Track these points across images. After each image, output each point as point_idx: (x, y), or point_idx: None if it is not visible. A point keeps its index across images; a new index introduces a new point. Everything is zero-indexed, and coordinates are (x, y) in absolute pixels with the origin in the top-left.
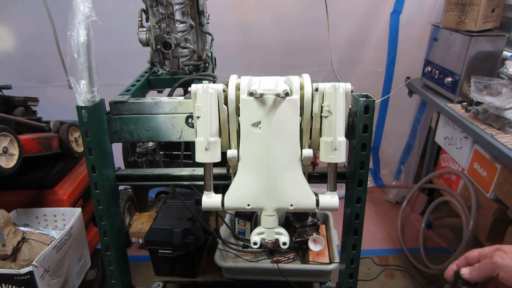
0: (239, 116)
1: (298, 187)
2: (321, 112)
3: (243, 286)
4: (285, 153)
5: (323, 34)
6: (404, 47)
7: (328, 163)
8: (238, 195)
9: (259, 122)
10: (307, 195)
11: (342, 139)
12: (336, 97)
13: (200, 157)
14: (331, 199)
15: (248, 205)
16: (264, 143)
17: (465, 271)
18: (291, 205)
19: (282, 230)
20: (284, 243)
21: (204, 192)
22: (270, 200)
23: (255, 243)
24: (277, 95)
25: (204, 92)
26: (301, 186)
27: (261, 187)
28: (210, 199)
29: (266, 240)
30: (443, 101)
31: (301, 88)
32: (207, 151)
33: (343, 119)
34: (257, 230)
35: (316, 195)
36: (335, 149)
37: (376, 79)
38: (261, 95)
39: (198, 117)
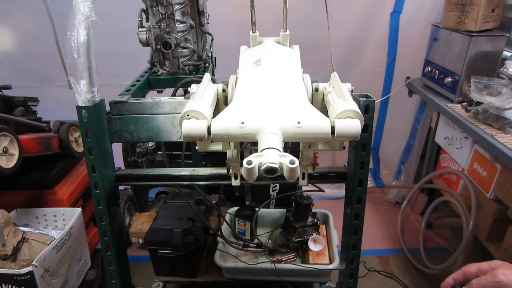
0: None
1: (307, 107)
2: (323, 103)
3: (243, 286)
4: (289, 83)
5: (323, 34)
6: (404, 47)
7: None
8: (230, 115)
9: (259, 60)
10: (319, 116)
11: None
12: (336, 79)
13: (186, 107)
14: (351, 120)
15: (243, 122)
16: (265, 73)
17: None
18: (298, 122)
19: (287, 154)
20: (292, 162)
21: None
22: (272, 116)
23: (248, 163)
24: (277, 41)
25: (205, 77)
26: (310, 108)
27: (260, 104)
28: (192, 125)
29: (267, 164)
30: (443, 101)
31: None
32: (195, 102)
33: (348, 92)
34: (255, 154)
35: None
36: (345, 99)
37: (376, 79)
38: (262, 41)
39: (192, 93)
